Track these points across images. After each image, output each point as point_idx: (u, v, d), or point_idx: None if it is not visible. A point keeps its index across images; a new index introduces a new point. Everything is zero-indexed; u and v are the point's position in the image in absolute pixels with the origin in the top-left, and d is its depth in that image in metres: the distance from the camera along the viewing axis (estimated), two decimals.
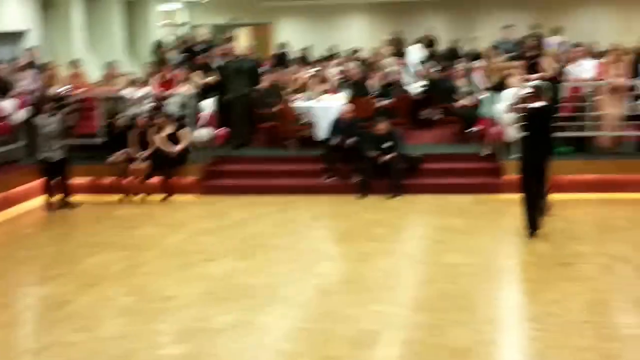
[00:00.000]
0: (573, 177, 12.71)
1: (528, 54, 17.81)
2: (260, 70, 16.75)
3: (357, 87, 15.76)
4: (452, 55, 20.12)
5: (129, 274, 10.05)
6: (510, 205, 12.34)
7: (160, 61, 19.60)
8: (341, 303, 8.68)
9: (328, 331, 7.93)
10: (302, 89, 16.33)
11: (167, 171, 14.01)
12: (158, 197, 14.00)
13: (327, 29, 30.06)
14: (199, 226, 12.28)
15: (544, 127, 10.61)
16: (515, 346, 7.57)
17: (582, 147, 13.55)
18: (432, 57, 20.34)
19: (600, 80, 13.80)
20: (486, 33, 26.21)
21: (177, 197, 14.03)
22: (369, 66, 17.79)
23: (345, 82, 16.54)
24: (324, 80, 16.83)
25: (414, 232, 11.78)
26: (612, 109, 13.47)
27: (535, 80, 14.12)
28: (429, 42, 22.14)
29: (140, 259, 10.70)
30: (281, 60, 20.69)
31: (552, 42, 20.04)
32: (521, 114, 10.98)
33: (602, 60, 13.89)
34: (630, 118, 13.85)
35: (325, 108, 15.06)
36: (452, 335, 7.73)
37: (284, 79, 16.27)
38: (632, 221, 11.64)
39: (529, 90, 10.96)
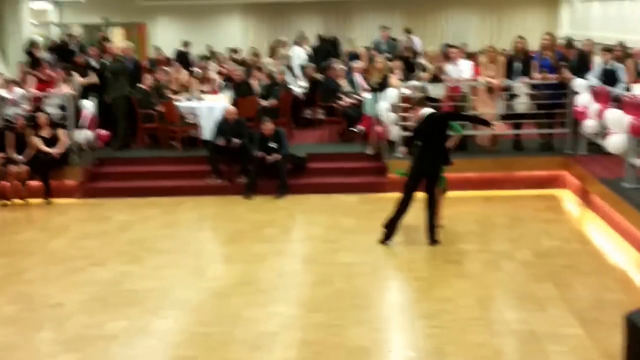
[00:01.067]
0: (455, 175, 12.91)
1: (405, 54, 18.22)
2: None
3: (240, 87, 15.70)
4: (329, 55, 20.25)
5: (11, 281, 9.76)
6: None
7: (33, 61, 19.12)
8: (237, 305, 8.65)
9: (225, 334, 7.90)
10: (184, 89, 16.18)
11: (47, 174, 13.63)
12: (38, 200, 13.60)
13: (202, 29, 29.90)
14: (83, 230, 12.01)
15: (437, 134, 10.64)
16: (413, 344, 7.68)
17: (463, 145, 13.82)
18: (317, 56, 20.36)
19: (476, 80, 14.19)
20: (362, 34, 26.69)
21: (59, 201, 13.64)
22: (250, 66, 17.74)
23: (228, 82, 16.46)
24: (206, 80, 16.72)
25: (304, 232, 11.82)
26: (488, 109, 13.82)
27: (414, 81, 14.51)
28: (328, 41, 22.22)
29: (22, 265, 10.40)
30: (183, 59, 20.41)
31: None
32: (414, 121, 11.09)
33: (481, 60, 14.21)
34: (506, 117, 14.24)
35: (210, 108, 14.95)
36: (349, 335, 7.82)
37: (166, 79, 16.06)
38: (512, 218, 11.97)
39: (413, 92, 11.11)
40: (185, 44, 22.85)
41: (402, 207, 10.65)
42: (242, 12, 30.93)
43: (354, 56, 18.84)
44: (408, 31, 22.08)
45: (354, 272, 9.65)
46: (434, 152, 10.63)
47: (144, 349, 7.71)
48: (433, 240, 10.63)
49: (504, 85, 13.83)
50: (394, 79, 14.59)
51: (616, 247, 10.50)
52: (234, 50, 22.13)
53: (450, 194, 11.92)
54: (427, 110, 10.80)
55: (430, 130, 10.65)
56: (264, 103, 15.43)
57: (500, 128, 12.29)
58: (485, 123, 11.84)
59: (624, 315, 4.89)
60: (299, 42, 20.53)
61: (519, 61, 13.81)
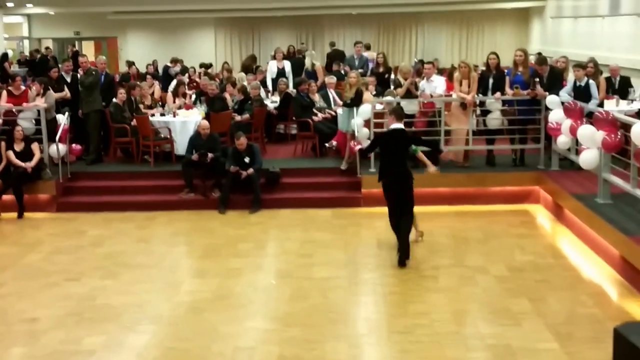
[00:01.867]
0: (428, 190, 12.96)
1: (378, 70, 18.30)
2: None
3: (214, 102, 15.68)
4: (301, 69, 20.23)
5: None
6: (369, 219, 12.64)
7: (5, 75, 18.99)
8: (213, 320, 8.66)
9: (203, 349, 7.91)
10: (157, 103, 16.14)
11: (20, 188, 13.54)
12: (11, 215, 13.50)
13: (173, 42, 29.94)
14: (57, 244, 11.93)
15: (394, 151, 10.65)
16: (389, 359, 7.72)
17: (435, 161, 13.86)
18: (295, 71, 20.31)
19: (449, 95, 14.29)
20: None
21: (32, 215, 13.57)
22: (225, 80, 17.72)
23: (201, 96, 16.42)
24: (180, 94, 16.69)
25: (279, 247, 11.81)
26: (461, 124, 13.92)
27: (388, 96, 14.58)
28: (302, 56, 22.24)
29: None
30: (165, 74, 20.38)
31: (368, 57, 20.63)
32: (377, 136, 11.13)
33: (455, 76, 14.30)
34: (478, 133, 14.36)
35: (183, 123, 14.95)
36: (326, 350, 7.85)
37: (139, 93, 15.98)
38: (486, 233, 12.03)
39: (386, 108, 11.18)
40: (174, 60, 22.61)
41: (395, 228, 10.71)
42: (213, 26, 31.01)
43: (311, 73, 18.87)
44: (368, 47, 22.24)
45: (329, 287, 9.67)
46: (391, 167, 10.64)
47: None
48: (404, 259, 10.53)
49: (477, 101, 13.94)
50: (367, 94, 14.65)
51: (589, 262, 10.59)
52: (207, 65, 22.09)
53: (424, 209, 12.01)
54: (396, 126, 10.82)
55: (388, 147, 10.71)
56: (238, 118, 15.42)
57: (446, 155, 12.50)
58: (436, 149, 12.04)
59: (613, 328, 4.97)
60: (276, 56, 20.33)
61: (491, 77, 13.90)
